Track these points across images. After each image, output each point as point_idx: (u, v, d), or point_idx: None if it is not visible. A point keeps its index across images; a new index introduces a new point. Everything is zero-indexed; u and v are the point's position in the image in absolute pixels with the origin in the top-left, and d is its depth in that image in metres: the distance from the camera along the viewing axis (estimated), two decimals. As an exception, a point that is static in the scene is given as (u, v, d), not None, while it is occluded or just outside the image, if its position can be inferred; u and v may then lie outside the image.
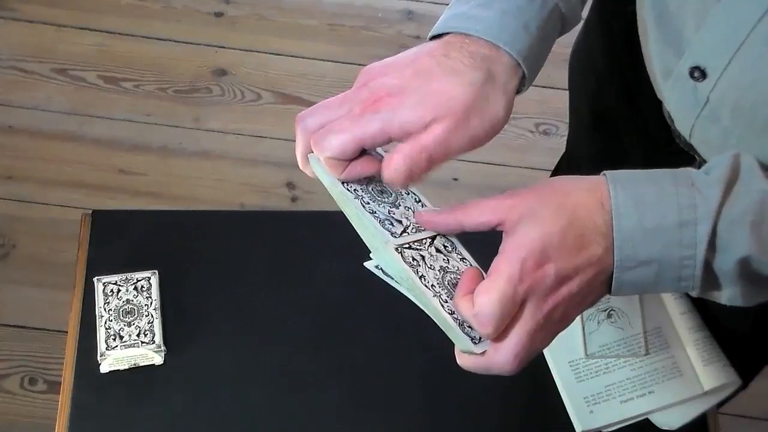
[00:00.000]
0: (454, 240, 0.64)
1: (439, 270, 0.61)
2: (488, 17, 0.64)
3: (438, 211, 0.63)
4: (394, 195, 0.65)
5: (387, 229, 0.62)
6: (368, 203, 0.62)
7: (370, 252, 0.63)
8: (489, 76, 0.62)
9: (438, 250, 0.63)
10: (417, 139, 0.60)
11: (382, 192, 0.64)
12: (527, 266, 0.57)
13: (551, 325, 0.60)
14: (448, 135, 0.61)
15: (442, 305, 0.59)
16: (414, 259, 0.61)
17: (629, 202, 0.58)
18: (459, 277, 0.62)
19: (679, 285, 0.60)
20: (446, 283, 0.61)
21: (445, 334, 0.61)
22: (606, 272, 0.60)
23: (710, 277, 0.60)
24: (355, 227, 0.62)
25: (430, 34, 0.66)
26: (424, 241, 0.63)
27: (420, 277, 0.60)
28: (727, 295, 0.61)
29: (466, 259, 0.64)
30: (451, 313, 0.59)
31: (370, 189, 0.64)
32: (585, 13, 0.96)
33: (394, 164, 0.60)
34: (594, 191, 0.60)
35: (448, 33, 0.65)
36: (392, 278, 0.61)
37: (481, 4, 0.65)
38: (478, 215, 0.61)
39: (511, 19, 0.64)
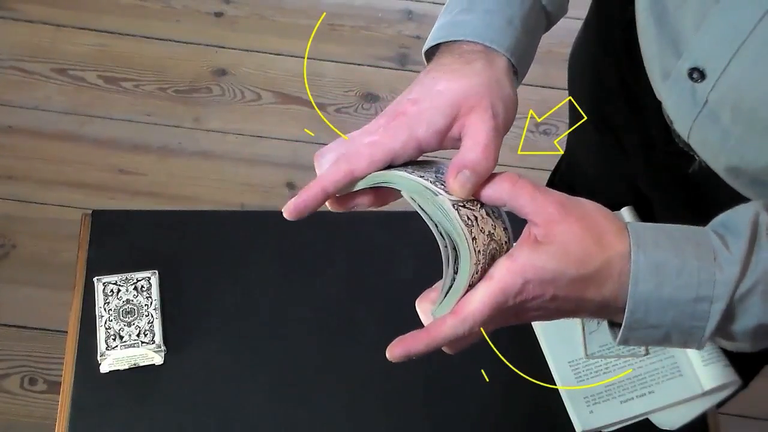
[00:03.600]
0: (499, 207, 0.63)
1: (487, 235, 0.60)
2: (472, 20, 0.66)
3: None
4: (435, 167, 0.64)
5: (440, 189, 0.60)
6: (413, 172, 0.61)
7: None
8: (488, 61, 0.64)
9: (488, 214, 0.61)
10: (463, 163, 0.60)
11: (422, 166, 0.64)
12: (527, 287, 0.58)
13: (523, 318, 0.61)
14: (487, 141, 0.61)
15: (475, 273, 0.58)
16: (469, 219, 0.59)
17: (649, 269, 0.58)
18: (498, 249, 0.60)
19: (685, 345, 0.61)
20: (489, 251, 0.59)
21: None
22: (607, 312, 0.60)
23: (719, 337, 0.61)
24: (403, 193, 0.61)
25: (424, 50, 0.69)
26: (475, 202, 0.61)
27: (473, 239, 0.58)
28: (735, 347, 0.62)
29: (507, 228, 0.62)
30: (471, 285, 0.58)
31: (410, 166, 0.63)
32: (584, 12, 0.96)
33: (459, 186, 0.60)
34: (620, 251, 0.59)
35: (439, 45, 0.67)
36: (426, 214, 0.59)
37: (463, 9, 0.68)
38: (522, 204, 0.59)
39: (494, 17, 0.66)
